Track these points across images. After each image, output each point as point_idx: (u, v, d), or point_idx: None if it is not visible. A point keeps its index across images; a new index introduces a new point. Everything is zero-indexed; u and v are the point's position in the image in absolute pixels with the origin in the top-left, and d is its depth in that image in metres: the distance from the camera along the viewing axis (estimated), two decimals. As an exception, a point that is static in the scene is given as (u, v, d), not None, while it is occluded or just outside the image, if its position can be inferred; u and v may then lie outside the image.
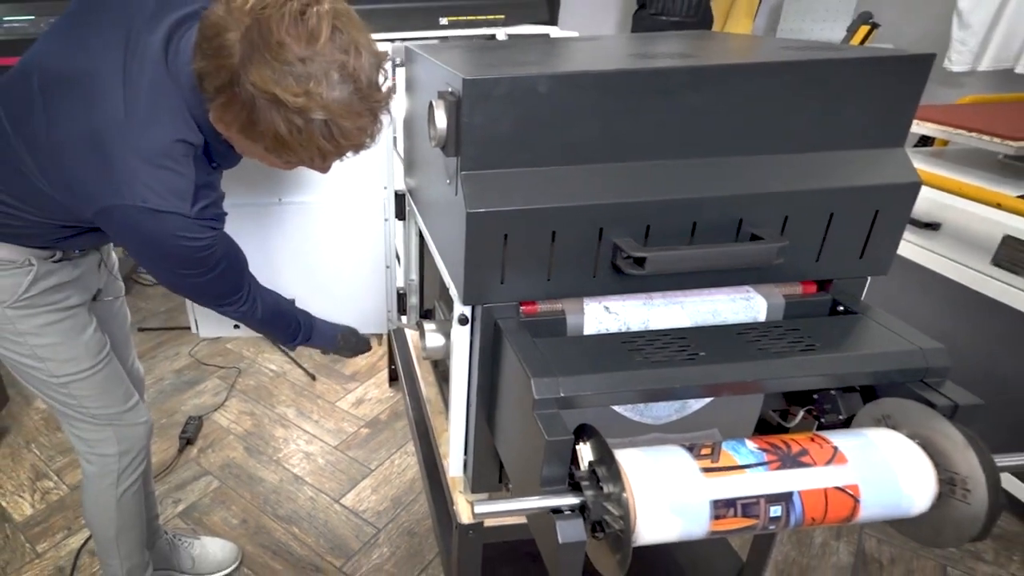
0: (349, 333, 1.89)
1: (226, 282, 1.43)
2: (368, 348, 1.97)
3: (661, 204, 1.16)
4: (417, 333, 2.18)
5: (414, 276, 2.16)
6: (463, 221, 1.13)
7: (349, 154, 1.20)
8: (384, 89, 1.14)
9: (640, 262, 1.15)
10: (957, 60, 3.35)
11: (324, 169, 1.27)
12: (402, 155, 2.04)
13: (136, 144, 1.17)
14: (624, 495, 0.95)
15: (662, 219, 1.17)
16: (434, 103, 1.16)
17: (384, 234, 2.13)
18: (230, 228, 1.35)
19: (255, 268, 1.63)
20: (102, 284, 1.63)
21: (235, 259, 1.46)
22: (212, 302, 1.47)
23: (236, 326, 2.05)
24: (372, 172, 2.10)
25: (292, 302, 1.70)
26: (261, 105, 1.09)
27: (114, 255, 1.72)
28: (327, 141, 1.13)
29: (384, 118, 1.17)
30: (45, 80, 1.21)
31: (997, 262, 1.87)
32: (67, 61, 1.20)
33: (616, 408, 1.23)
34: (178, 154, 1.20)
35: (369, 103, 1.12)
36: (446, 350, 1.60)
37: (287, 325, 1.68)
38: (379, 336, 2.12)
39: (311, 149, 1.14)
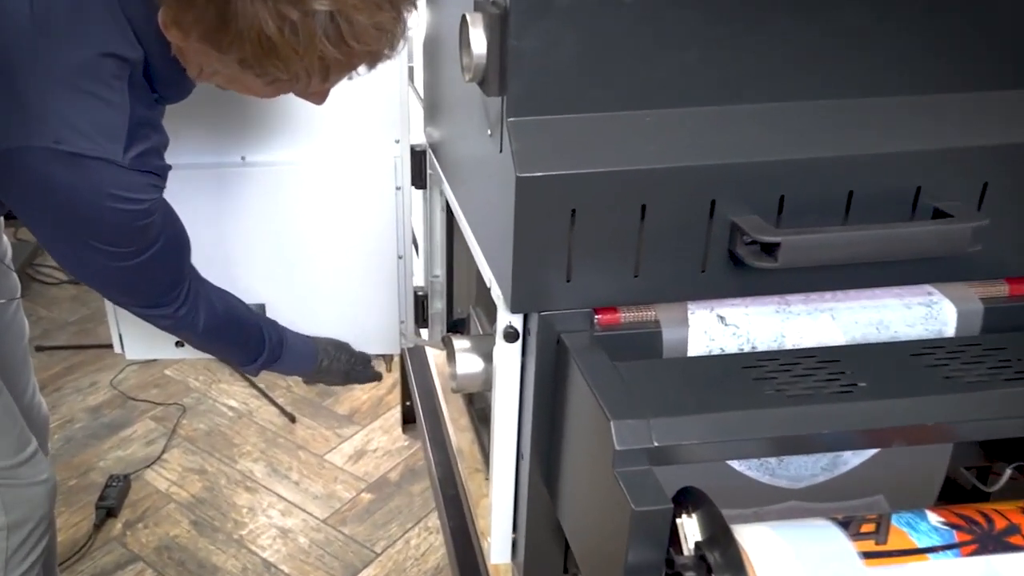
0: (338, 350, 1.90)
1: (162, 270, 1.47)
2: (372, 375, 1.99)
3: (801, 165, 1.18)
4: (443, 354, 2.20)
5: (439, 271, 2.18)
6: (511, 190, 1.15)
7: (361, 69, 1.21)
8: None
9: (771, 250, 1.16)
10: None
11: (322, 94, 1.28)
12: (421, 94, 2.06)
13: (47, 61, 1.19)
14: (746, 591, 0.97)
15: (803, 187, 1.19)
16: (468, 17, 1.18)
17: (395, 209, 2.14)
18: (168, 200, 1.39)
19: (203, 260, 1.66)
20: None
21: (176, 238, 1.49)
22: (138, 300, 1.49)
23: (179, 343, 2.08)
24: (378, 118, 2.11)
25: (256, 308, 1.74)
26: None
27: (4, 239, 1.75)
28: (332, 45, 1.14)
29: (409, 18, 1.18)
30: None
31: None
32: None
33: (735, 464, 1.24)
34: (107, 75, 1.22)
35: None
36: (486, 379, 1.62)
37: (244, 339, 1.70)
38: (387, 358, 2.15)
39: (309, 57, 1.15)
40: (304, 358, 1.82)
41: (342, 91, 1.85)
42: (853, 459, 1.26)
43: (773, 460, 1.25)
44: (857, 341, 1.25)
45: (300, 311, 2.08)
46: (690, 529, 1.02)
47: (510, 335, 1.28)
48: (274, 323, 1.81)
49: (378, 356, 2.16)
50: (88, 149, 1.21)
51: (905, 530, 1.03)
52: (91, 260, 1.35)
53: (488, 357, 1.59)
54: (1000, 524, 1.04)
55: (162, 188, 1.34)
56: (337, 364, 1.90)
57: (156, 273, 1.45)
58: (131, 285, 1.45)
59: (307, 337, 1.91)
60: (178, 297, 1.53)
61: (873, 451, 1.26)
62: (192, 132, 1.94)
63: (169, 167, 1.35)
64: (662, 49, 1.16)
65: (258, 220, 2.10)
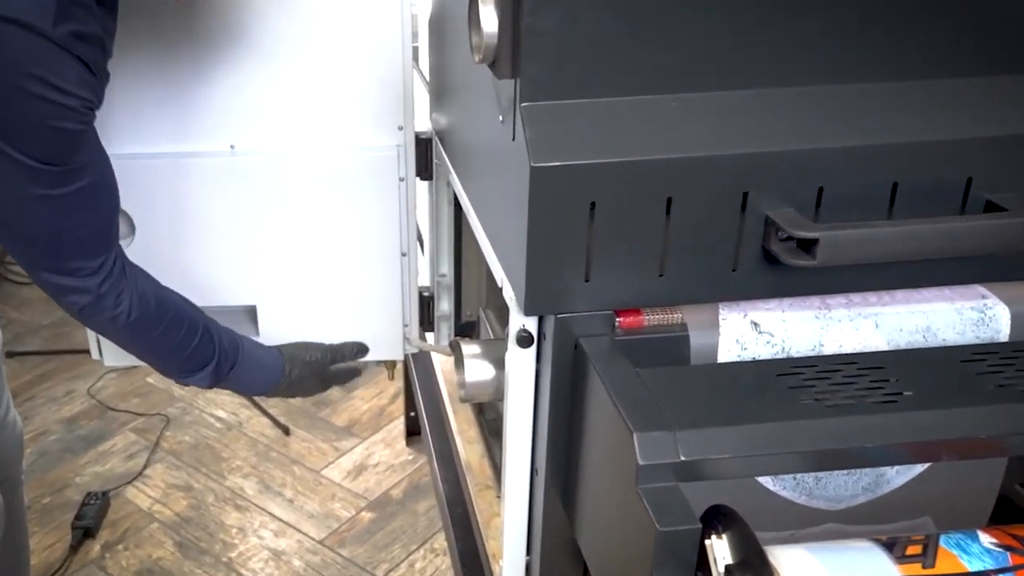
0: (307, 352, 1.84)
1: (85, 217, 1.40)
2: (351, 369, 1.94)
3: (842, 154, 1.17)
4: (451, 360, 2.20)
5: (446, 269, 2.19)
6: (525, 182, 1.15)
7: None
8: None
9: (808, 246, 1.16)
10: None
11: None
12: (427, 77, 2.06)
13: None
14: (782, 619, 0.97)
15: (843, 178, 1.19)
16: (479, -8, 1.18)
17: (399, 203, 2.15)
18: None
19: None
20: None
21: (107, 185, 1.44)
22: (50, 259, 1.42)
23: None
24: (379, 103, 2.12)
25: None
26: None
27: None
28: None
29: None
30: None
31: None
32: None
33: (768, 482, 1.24)
34: None
35: None
36: (497, 387, 1.63)
37: (184, 340, 1.63)
38: (389, 365, 2.14)
39: None
40: (265, 369, 1.75)
41: (340, 74, 1.85)
42: (897, 477, 1.26)
43: (810, 478, 1.25)
44: (902, 347, 1.25)
45: (294, 314, 2.08)
46: (720, 551, 1.02)
47: (524, 339, 1.28)
48: (228, 329, 1.75)
49: (380, 362, 2.16)
50: (7, 9, 1.15)
51: (955, 553, 1.02)
52: None
53: (500, 363, 1.59)
54: (1060, 547, 1.03)
55: (96, 96, 1.29)
56: (308, 370, 1.84)
57: (78, 219, 1.39)
58: (44, 229, 1.37)
59: (270, 347, 1.87)
60: (102, 267, 1.45)
61: (919, 468, 1.25)
62: (173, 117, 1.94)
63: (107, 75, 1.30)
64: (690, 27, 1.16)
65: (247, 215, 2.10)
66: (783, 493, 1.25)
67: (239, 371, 1.70)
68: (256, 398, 3.05)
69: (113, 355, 2.18)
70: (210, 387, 1.73)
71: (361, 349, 2.01)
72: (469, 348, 1.67)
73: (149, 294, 1.55)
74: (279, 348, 1.83)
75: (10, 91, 1.19)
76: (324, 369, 1.88)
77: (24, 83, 1.19)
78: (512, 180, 1.22)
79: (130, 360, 1.98)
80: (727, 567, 1.01)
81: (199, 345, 1.64)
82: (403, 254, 2.12)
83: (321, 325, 2.13)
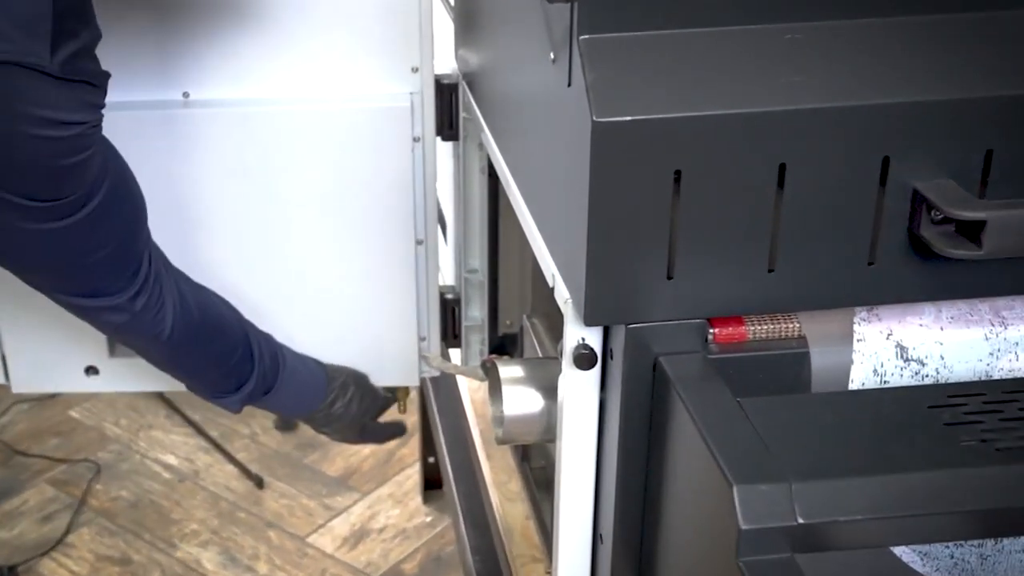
0: (358, 388, 1.89)
1: (106, 236, 1.49)
2: (393, 429, 2.00)
3: (1021, 105, 1.18)
4: (484, 387, 2.21)
5: (477, 263, 2.20)
6: (585, 143, 1.16)
7: None
8: None
9: (973, 231, 1.16)
10: None
11: None
12: (451, 1, 2.08)
13: None
14: None
15: (1022, 139, 1.20)
16: None
17: (412, 171, 2.16)
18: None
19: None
20: None
21: (124, 189, 1.52)
22: (76, 286, 1.52)
23: (90, 368, 2.07)
24: (387, 37, 2.12)
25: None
26: None
27: None
28: None
29: None
30: None
31: None
32: None
33: (914, 561, 1.24)
34: None
35: None
36: (547, 424, 1.63)
37: (227, 354, 1.73)
38: (401, 393, 2.14)
39: None
40: (308, 390, 1.82)
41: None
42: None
43: (974, 556, 1.25)
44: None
45: (268, 320, 2.08)
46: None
47: (584, 358, 1.29)
48: (268, 337, 1.85)
49: (387, 390, 2.17)
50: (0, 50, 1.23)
51: None
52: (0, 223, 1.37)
53: (551, 392, 1.58)
54: None
55: (100, 107, 1.37)
56: (351, 409, 1.90)
57: (96, 242, 1.47)
58: (64, 259, 1.46)
59: (315, 361, 1.92)
60: (134, 280, 1.54)
61: None
62: (109, 56, 1.96)
63: (108, 74, 1.38)
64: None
65: (215, 188, 2.11)
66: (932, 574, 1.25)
67: (278, 391, 1.81)
68: (218, 439, 3.08)
69: (24, 378, 2.20)
70: (239, 411, 1.85)
71: (400, 428, 2.11)
72: (509, 371, 1.68)
73: (192, 302, 1.66)
74: (325, 368, 1.88)
75: (5, 138, 1.27)
76: (366, 418, 1.93)
77: (20, 126, 1.27)
78: (567, 141, 1.23)
79: (47, 386, 2.01)
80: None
81: (238, 359, 1.74)
82: (419, 242, 2.13)
83: (307, 340, 2.13)
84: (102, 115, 1.38)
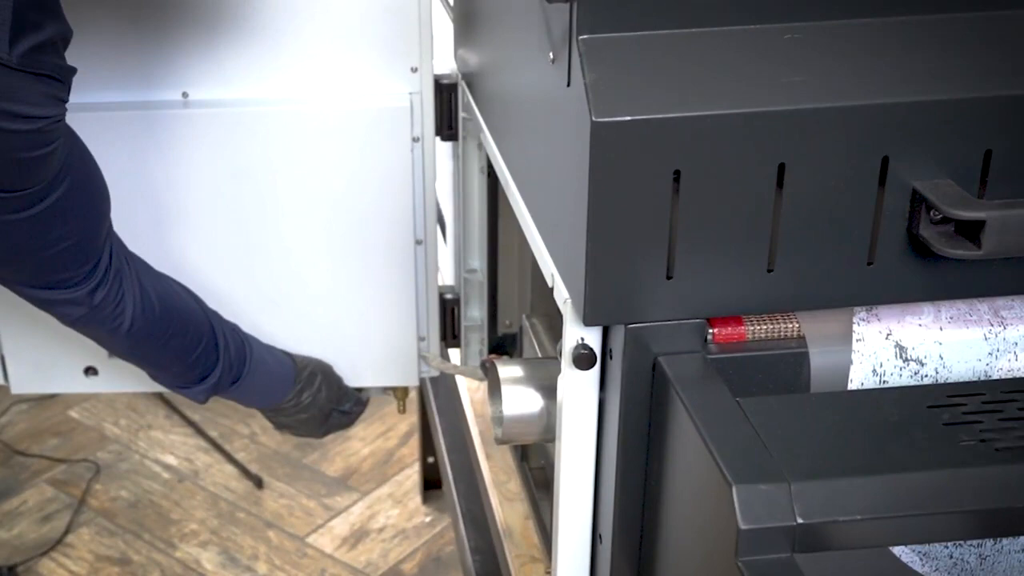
0: (324, 379, 1.90)
1: (67, 228, 1.49)
2: (348, 420, 2.00)
3: (1020, 104, 1.18)
4: (483, 387, 2.21)
5: (476, 263, 2.20)
6: (584, 142, 1.16)
7: None
8: None
9: (972, 231, 1.16)
10: None
11: None
12: (450, 1, 2.08)
13: None
14: None
15: (1021, 138, 1.19)
16: None
17: (412, 171, 2.16)
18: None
19: (129, 243, 1.68)
20: None
21: (87, 182, 1.53)
22: (33, 277, 1.53)
23: (88, 369, 2.07)
24: (385, 37, 2.13)
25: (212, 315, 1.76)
26: None
27: None
28: None
29: None
30: None
31: None
32: None
33: (913, 561, 1.24)
34: None
35: None
36: (546, 424, 1.63)
37: (189, 346, 1.74)
38: (400, 394, 2.14)
39: None
40: (276, 380, 1.83)
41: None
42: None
43: (973, 556, 1.25)
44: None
45: (267, 322, 2.08)
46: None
47: (583, 358, 1.29)
48: (234, 326, 1.86)
49: (387, 390, 2.17)
50: None
51: None
52: None
53: (550, 391, 1.58)
54: None
55: (65, 101, 1.37)
56: (319, 398, 1.90)
57: (58, 233, 1.47)
58: (21, 251, 1.47)
59: (282, 352, 1.93)
60: (93, 274, 1.55)
61: None
62: (109, 58, 1.96)
63: (74, 70, 1.38)
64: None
65: (214, 188, 2.11)
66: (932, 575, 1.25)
67: (244, 383, 1.82)
68: (218, 439, 3.08)
69: (23, 380, 2.20)
70: (205, 402, 1.87)
71: (359, 402, 2.09)
72: (508, 371, 1.68)
73: (152, 295, 1.65)
74: (292, 359, 1.89)
75: None
76: (331, 410, 1.94)
77: None
78: (566, 141, 1.23)
79: (47, 387, 2.01)
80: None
81: (202, 350, 1.75)
82: (418, 242, 2.13)
83: (303, 337, 2.13)
84: (65, 110, 1.37)
